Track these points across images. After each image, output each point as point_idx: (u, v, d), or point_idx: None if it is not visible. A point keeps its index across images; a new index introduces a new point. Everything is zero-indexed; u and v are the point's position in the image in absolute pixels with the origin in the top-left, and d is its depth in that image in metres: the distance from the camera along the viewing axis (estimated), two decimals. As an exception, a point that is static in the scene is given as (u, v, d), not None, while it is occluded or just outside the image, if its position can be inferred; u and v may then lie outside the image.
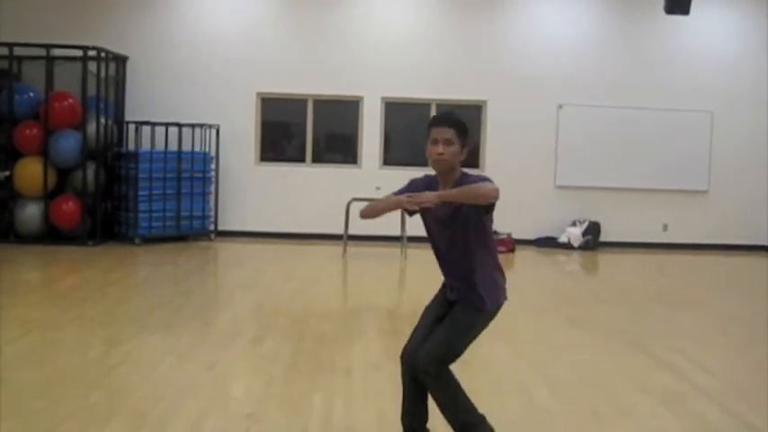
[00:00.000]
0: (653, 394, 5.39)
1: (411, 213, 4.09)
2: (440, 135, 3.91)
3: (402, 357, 4.09)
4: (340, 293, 9.55)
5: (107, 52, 12.26)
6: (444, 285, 4.18)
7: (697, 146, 13.94)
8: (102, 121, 12.12)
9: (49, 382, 5.20)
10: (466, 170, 4.05)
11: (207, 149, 12.88)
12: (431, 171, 4.05)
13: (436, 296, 4.22)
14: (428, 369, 3.90)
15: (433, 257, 4.18)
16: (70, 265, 10.38)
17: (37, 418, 4.52)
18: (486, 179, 3.85)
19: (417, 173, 4.31)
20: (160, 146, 12.46)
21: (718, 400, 5.33)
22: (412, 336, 4.11)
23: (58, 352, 5.99)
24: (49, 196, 11.88)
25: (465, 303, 4.00)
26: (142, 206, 12.09)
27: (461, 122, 3.96)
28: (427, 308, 4.21)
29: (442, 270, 4.15)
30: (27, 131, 11.84)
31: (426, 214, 4.05)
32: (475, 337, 3.99)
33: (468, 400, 4.00)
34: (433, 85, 13.19)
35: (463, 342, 3.95)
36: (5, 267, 9.99)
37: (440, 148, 3.89)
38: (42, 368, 5.52)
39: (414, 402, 4.12)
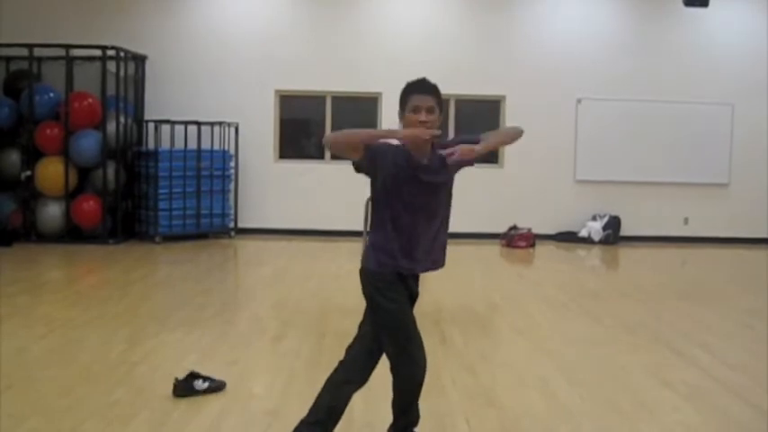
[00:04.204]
0: (675, 389, 5.35)
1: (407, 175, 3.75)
2: (422, 103, 3.75)
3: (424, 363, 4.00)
4: (360, 290, 9.51)
5: (126, 52, 12.32)
6: (402, 267, 3.88)
7: (718, 138, 13.85)
8: (122, 120, 12.19)
9: (72, 380, 5.23)
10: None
11: (226, 147, 12.92)
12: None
13: (397, 290, 3.90)
14: None
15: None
16: (91, 264, 10.44)
17: (61, 415, 4.55)
18: (468, 139, 3.86)
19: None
20: (180, 144, 12.52)
21: (741, 394, 5.29)
22: (420, 341, 3.97)
23: (81, 350, 6.02)
24: (69, 195, 11.96)
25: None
26: (162, 204, 12.14)
27: (439, 90, 3.82)
28: (406, 308, 3.96)
29: (410, 244, 3.83)
30: (47, 131, 11.92)
31: (420, 176, 3.76)
32: None
33: None
34: (452, 81, 13.05)
35: None
36: (27, 266, 10.06)
37: (423, 116, 3.73)
38: (65, 366, 5.55)
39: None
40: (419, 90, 3.80)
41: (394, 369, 4.00)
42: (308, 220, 13.50)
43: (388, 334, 3.94)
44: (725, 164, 13.93)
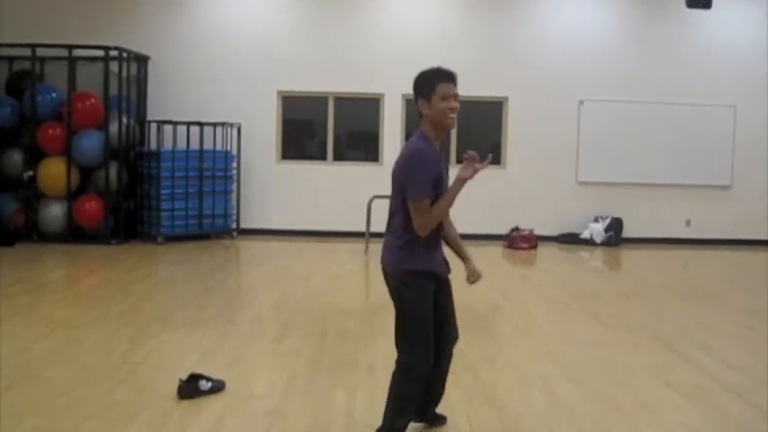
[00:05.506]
0: (676, 389, 5.35)
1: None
2: (450, 91, 3.80)
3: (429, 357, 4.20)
4: (362, 290, 9.53)
5: (128, 52, 12.33)
6: (436, 265, 4.22)
7: (720, 140, 13.83)
8: (125, 120, 12.20)
9: (73, 379, 5.24)
10: None
11: (228, 148, 12.92)
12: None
13: (428, 291, 4.21)
14: None
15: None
16: (93, 264, 10.45)
17: (62, 415, 4.56)
18: None
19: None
20: (182, 145, 12.52)
21: (742, 395, 5.29)
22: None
23: (83, 350, 6.03)
24: (72, 196, 11.97)
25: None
26: (165, 205, 12.15)
27: None
28: (430, 305, 4.20)
29: (437, 243, 4.23)
30: (50, 132, 11.93)
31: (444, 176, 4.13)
32: None
33: None
34: (454, 82, 13.12)
35: None
36: (30, 267, 10.07)
37: (453, 103, 3.80)
38: (67, 366, 5.56)
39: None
40: (447, 78, 3.84)
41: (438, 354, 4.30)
42: (310, 221, 13.50)
43: None
44: (727, 166, 13.91)
